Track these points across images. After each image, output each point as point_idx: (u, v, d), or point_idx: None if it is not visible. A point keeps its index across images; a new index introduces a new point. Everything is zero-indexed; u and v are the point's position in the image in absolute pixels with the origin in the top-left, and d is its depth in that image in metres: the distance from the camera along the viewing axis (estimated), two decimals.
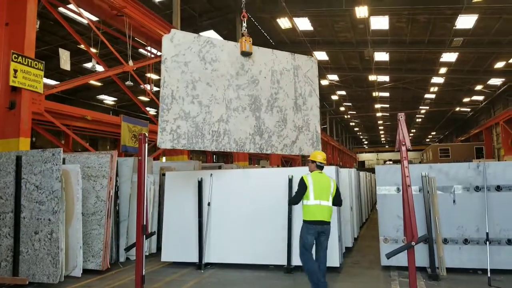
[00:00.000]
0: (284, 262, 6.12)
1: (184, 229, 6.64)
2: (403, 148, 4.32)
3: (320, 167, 5.21)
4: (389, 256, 4.27)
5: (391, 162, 60.02)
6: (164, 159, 16.57)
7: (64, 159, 6.14)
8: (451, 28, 17.90)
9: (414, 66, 24.25)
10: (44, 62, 7.94)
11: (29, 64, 7.55)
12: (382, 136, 59.80)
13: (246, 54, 6.68)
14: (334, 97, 33.06)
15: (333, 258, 5.81)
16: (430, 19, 17.58)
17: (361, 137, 63.74)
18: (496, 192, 5.85)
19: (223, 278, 5.90)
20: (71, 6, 10.38)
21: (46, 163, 5.68)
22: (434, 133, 55.65)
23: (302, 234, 4.95)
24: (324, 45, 21.40)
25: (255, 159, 29.78)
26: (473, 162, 6.37)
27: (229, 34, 18.28)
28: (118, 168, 6.86)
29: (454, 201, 5.98)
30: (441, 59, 22.22)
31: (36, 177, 5.70)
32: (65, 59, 10.53)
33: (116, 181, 6.82)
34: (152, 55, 13.88)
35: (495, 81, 25.93)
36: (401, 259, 5.18)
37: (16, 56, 7.29)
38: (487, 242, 5.56)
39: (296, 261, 5.94)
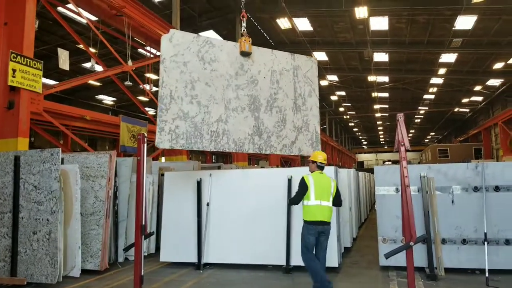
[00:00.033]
0: (283, 262, 6.11)
1: (183, 230, 6.64)
2: (402, 149, 4.32)
3: (320, 168, 5.22)
4: (387, 256, 4.27)
5: (390, 163, 59.97)
6: (163, 159, 16.56)
7: (62, 159, 6.14)
8: (451, 28, 17.93)
9: (414, 67, 24.29)
10: (43, 61, 7.92)
11: (28, 64, 7.53)
12: (381, 136, 59.87)
13: (245, 54, 6.67)
14: (334, 98, 33.06)
15: (332, 258, 5.80)
16: (429, 20, 17.60)
17: (360, 137, 63.78)
18: (494, 193, 5.86)
19: (221, 278, 5.90)
20: (70, 5, 10.38)
21: (44, 163, 5.67)
22: (433, 133, 55.75)
23: (303, 234, 4.96)
24: (323, 45, 21.41)
25: (254, 159, 29.76)
26: (471, 163, 6.38)
27: (229, 34, 18.27)
28: (117, 168, 6.86)
29: (452, 202, 5.99)
30: (440, 60, 22.25)
31: (34, 177, 5.69)
32: (64, 59, 10.51)
33: (115, 181, 6.82)
34: (152, 55, 13.86)
35: (494, 82, 25.98)
36: (400, 259, 5.18)
37: (15, 56, 7.27)
38: (485, 242, 5.57)
39: (295, 261, 5.95)
